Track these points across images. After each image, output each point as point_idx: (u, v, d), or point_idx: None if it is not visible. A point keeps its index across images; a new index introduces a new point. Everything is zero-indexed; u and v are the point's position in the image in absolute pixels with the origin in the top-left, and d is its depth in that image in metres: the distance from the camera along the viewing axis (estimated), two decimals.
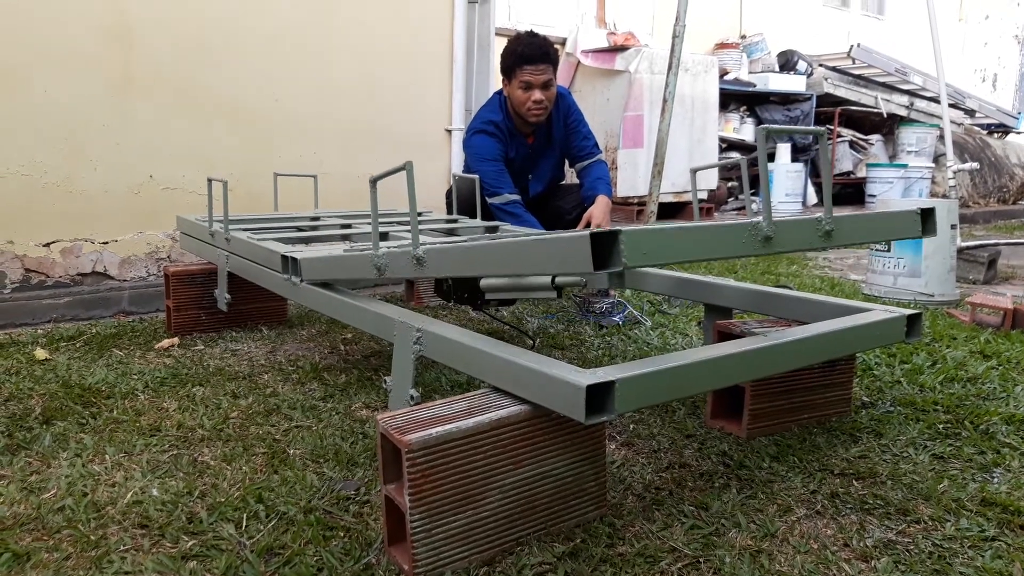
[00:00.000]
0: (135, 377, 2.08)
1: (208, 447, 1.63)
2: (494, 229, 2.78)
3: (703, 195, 6.23)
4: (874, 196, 7.41)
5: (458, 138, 4.02)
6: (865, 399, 1.96)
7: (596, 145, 3.40)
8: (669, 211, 6.03)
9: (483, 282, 2.15)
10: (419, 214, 3.13)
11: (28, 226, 3.01)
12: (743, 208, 6.99)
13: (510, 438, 1.23)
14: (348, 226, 2.74)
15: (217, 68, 3.36)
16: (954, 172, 4.04)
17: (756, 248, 1.26)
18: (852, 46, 7.21)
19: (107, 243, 3.20)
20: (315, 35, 3.61)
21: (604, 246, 1.09)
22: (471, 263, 1.41)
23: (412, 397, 1.51)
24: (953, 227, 3.27)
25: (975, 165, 4.39)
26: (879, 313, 1.64)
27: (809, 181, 7.44)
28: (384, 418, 1.22)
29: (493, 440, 1.21)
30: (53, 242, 3.08)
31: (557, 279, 1.89)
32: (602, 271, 1.08)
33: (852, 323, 1.54)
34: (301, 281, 2.00)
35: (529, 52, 3.05)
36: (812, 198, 7.55)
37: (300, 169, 3.51)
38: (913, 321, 1.66)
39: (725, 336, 1.74)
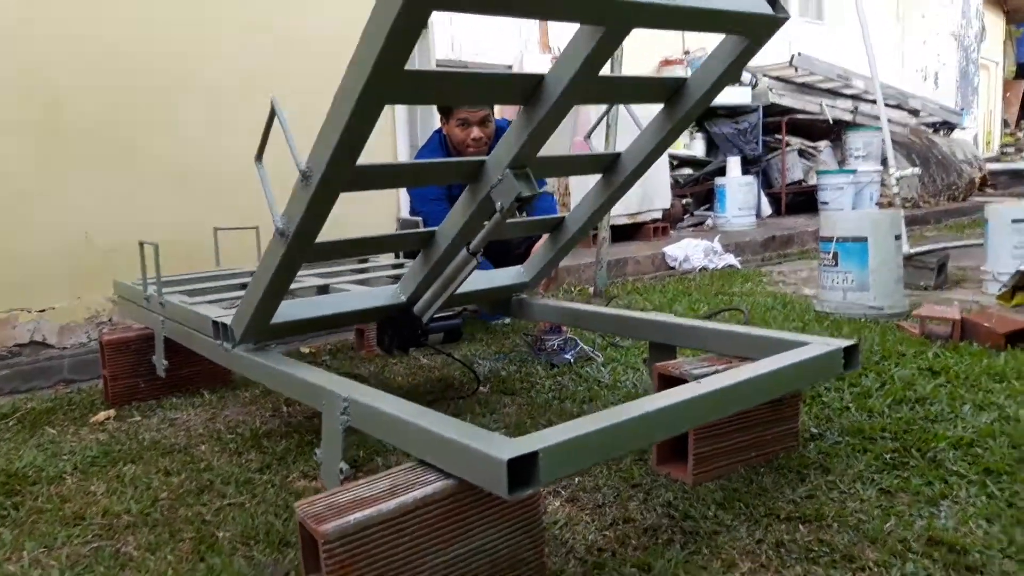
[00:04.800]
0: (65, 458, 2.00)
1: (133, 534, 1.56)
2: None
3: (657, 214, 6.25)
4: (826, 203, 7.52)
5: None
6: (814, 430, 1.94)
7: (553, 206, 3.38)
8: (624, 233, 6.04)
9: (416, 307, 2.10)
10: (365, 261, 3.08)
11: None
12: (700, 224, 7.03)
13: (437, 517, 1.18)
14: None
15: (153, 126, 3.29)
16: (897, 179, 4.09)
17: None
18: (793, 55, 7.33)
19: (44, 311, 3.10)
20: (254, 84, 3.55)
21: None
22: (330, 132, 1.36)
23: (341, 471, 1.46)
24: (897, 238, 3.30)
25: (917, 171, 4.46)
26: (816, 347, 1.62)
27: (762, 192, 7.52)
28: (302, 505, 1.16)
29: (419, 520, 1.16)
30: None
31: (471, 245, 1.84)
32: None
33: (787, 361, 1.51)
34: (233, 347, 1.93)
35: None
36: (767, 209, 7.63)
37: (244, 220, 3.44)
38: (850, 352, 1.65)
39: (665, 379, 1.71)
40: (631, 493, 1.63)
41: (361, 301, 2.08)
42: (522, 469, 1.11)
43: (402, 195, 4.00)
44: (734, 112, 7.26)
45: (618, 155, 2.07)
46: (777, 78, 7.46)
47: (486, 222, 1.83)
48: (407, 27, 1.17)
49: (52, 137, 3.06)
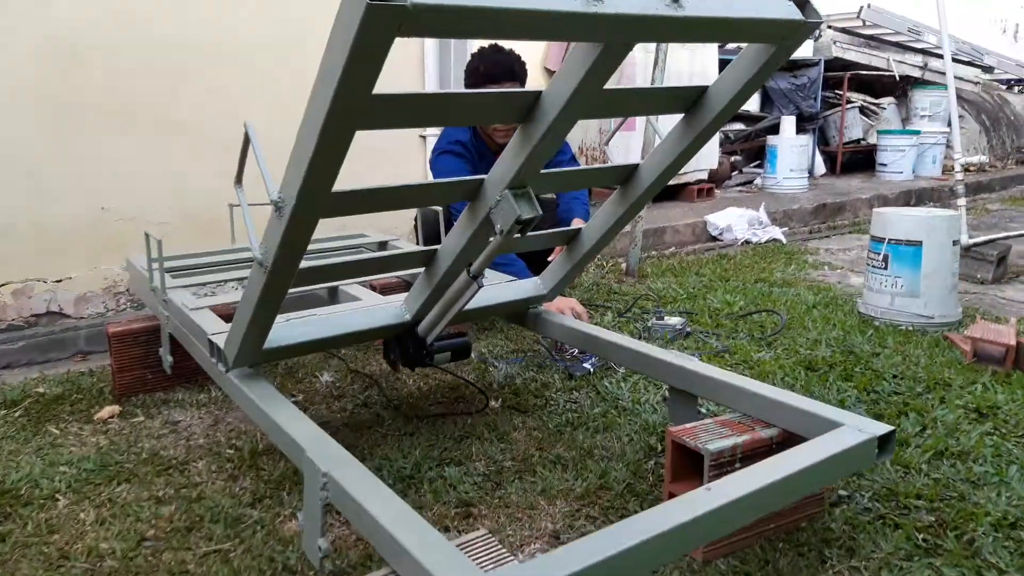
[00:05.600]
0: (62, 469, 1.95)
1: None
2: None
3: (703, 175, 5.99)
4: (885, 164, 7.14)
5: (433, 145, 3.81)
6: (842, 491, 1.80)
7: (573, 159, 3.19)
8: (666, 193, 5.80)
9: (420, 328, 1.99)
10: (354, 237, 2.96)
11: None
12: (748, 183, 6.73)
13: None
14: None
15: (172, 91, 3.17)
16: (962, 166, 3.79)
17: (583, 4, 1.09)
18: (862, 7, 6.83)
19: (60, 281, 3.05)
20: (279, 48, 3.38)
21: None
22: (299, 161, 1.24)
23: (320, 548, 1.37)
24: (955, 243, 3.05)
25: (984, 159, 4.13)
26: (848, 434, 1.46)
27: (817, 151, 7.15)
28: None
29: None
30: (2, 284, 2.95)
31: (472, 268, 1.73)
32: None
33: (813, 459, 1.36)
34: (227, 371, 1.84)
35: (493, 71, 2.83)
36: (820, 168, 7.27)
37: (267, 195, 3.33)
38: (885, 439, 1.49)
39: (678, 449, 1.58)
40: None
41: (362, 321, 1.96)
42: None
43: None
44: (793, 65, 6.84)
45: (636, 167, 1.90)
46: (843, 30, 6.99)
47: (492, 238, 1.69)
48: (369, 51, 1.03)
49: (71, 105, 2.96)
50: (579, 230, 2.14)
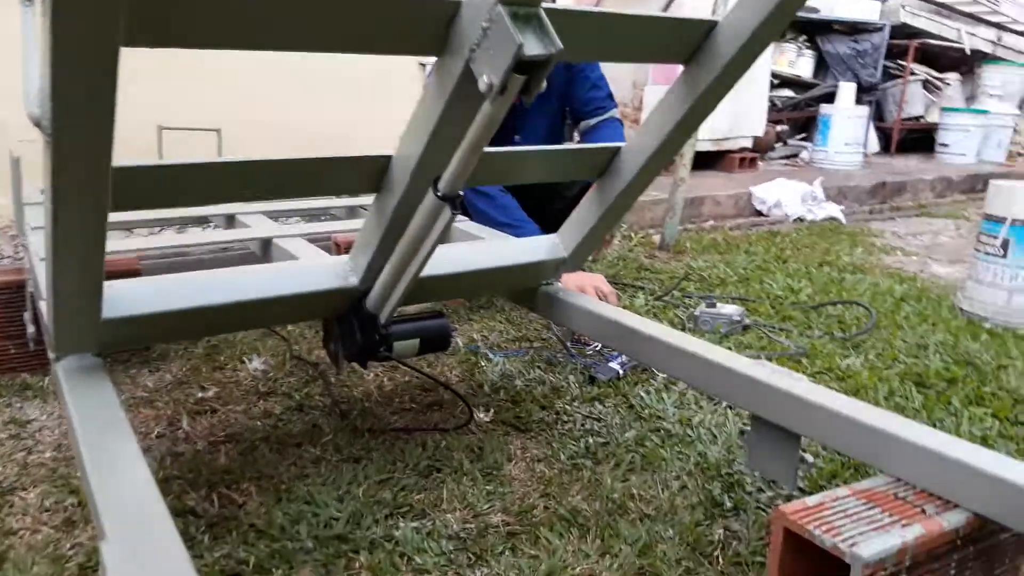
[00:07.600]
0: None
1: None
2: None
3: (747, 142, 5.25)
4: (946, 145, 6.38)
5: None
6: None
7: (609, 96, 2.49)
8: (704, 161, 5.07)
9: (369, 300, 1.30)
10: None
11: None
12: (793, 156, 5.99)
13: None
14: (232, 218, 1.90)
15: None
16: None
17: None
18: None
19: None
20: None
21: None
22: None
23: None
24: None
25: None
26: None
27: (872, 126, 6.38)
28: None
29: None
30: None
31: (440, 181, 1.02)
32: None
33: None
34: (56, 358, 1.16)
35: None
36: (874, 144, 6.51)
37: (207, 118, 2.61)
38: None
39: (794, 543, 0.89)
40: None
41: (281, 284, 1.27)
42: None
43: None
44: (855, 29, 6.06)
45: (714, 25, 1.19)
46: None
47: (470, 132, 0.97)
48: None
49: None
50: (616, 150, 1.43)
